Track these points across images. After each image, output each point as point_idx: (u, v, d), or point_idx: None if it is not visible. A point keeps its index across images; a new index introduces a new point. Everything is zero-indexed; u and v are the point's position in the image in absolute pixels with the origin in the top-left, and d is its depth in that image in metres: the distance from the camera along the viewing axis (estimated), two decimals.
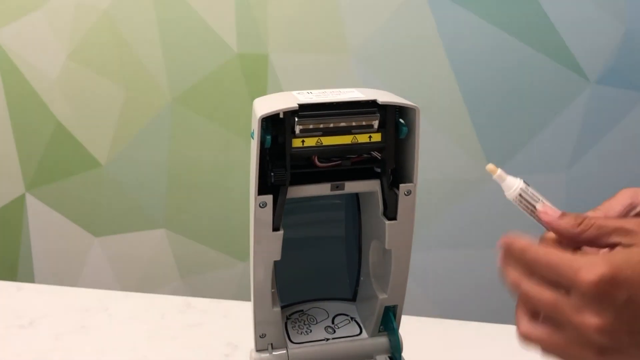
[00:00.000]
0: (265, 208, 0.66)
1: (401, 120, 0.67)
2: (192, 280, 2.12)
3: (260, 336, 0.74)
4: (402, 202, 0.68)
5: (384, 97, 0.65)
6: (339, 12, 1.82)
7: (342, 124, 0.65)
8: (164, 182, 2.05)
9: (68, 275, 2.17)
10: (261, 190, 0.65)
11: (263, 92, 1.90)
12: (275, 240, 0.68)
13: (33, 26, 1.96)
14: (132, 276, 2.14)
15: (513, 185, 0.55)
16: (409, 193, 0.68)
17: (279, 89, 1.88)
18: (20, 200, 2.14)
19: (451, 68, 1.82)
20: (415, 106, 0.65)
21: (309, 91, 0.67)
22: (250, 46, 1.89)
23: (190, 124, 1.98)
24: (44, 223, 2.14)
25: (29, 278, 2.18)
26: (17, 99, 2.04)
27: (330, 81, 1.86)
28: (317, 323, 0.79)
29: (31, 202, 2.13)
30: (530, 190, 0.55)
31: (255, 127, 0.62)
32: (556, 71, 1.77)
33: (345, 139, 0.65)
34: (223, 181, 2.02)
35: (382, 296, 0.75)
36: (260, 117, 0.62)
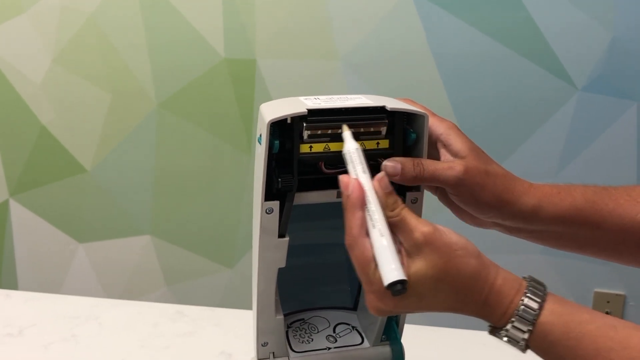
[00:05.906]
0: (272, 214, 0.65)
1: (409, 127, 0.66)
2: (178, 287, 2.10)
3: (262, 345, 0.73)
4: None
5: (392, 103, 0.64)
6: (328, 19, 1.82)
7: (351, 130, 0.64)
8: (150, 187, 2.03)
9: (52, 281, 2.14)
10: (267, 197, 0.64)
11: (250, 98, 1.89)
12: (281, 247, 0.67)
13: (18, 30, 1.94)
14: (117, 283, 2.12)
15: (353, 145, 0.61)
16: (415, 201, 0.68)
17: (266, 94, 1.87)
18: (4, 205, 2.10)
19: (439, 75, 1.82)
20: (425, 113, 0.64)
21: (315, 97, 0.66)
22: (238, 51, 1.88)
23: (176, 129, 1.96)
24: (28, 229, 2.11)
25: (12, 284, 2.15)
26: (0, 104, 2.02)
27: (319, 88, 1.85)
28: (318, 332, 0.78)
29: (15, 207, 2.10)
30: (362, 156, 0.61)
31: (264, 132, 0.61)
32: (544, 78, 1.78)
33: None
34: (210, 187, 2.00)
35: None
36: (269, 122, 0.60)
